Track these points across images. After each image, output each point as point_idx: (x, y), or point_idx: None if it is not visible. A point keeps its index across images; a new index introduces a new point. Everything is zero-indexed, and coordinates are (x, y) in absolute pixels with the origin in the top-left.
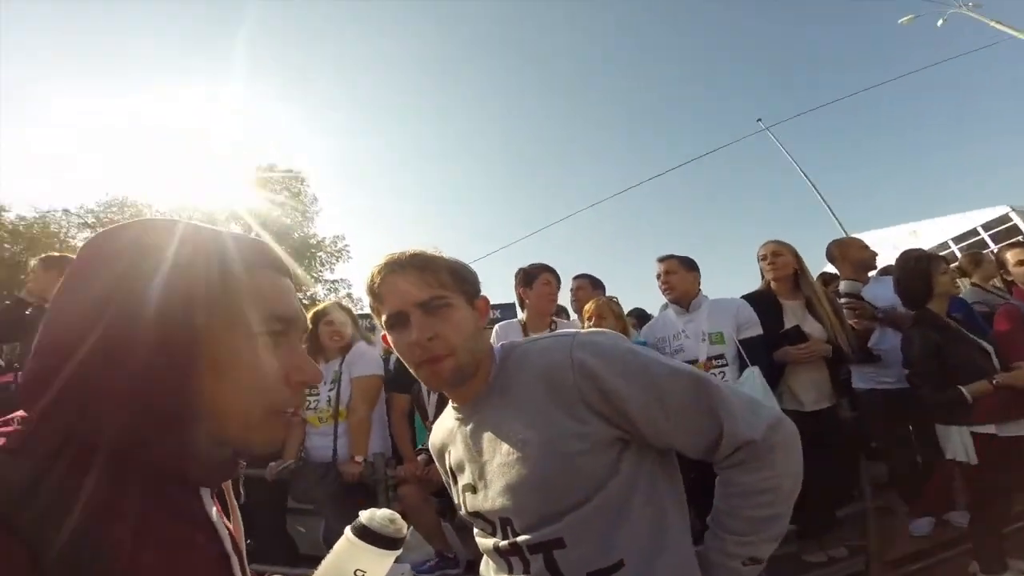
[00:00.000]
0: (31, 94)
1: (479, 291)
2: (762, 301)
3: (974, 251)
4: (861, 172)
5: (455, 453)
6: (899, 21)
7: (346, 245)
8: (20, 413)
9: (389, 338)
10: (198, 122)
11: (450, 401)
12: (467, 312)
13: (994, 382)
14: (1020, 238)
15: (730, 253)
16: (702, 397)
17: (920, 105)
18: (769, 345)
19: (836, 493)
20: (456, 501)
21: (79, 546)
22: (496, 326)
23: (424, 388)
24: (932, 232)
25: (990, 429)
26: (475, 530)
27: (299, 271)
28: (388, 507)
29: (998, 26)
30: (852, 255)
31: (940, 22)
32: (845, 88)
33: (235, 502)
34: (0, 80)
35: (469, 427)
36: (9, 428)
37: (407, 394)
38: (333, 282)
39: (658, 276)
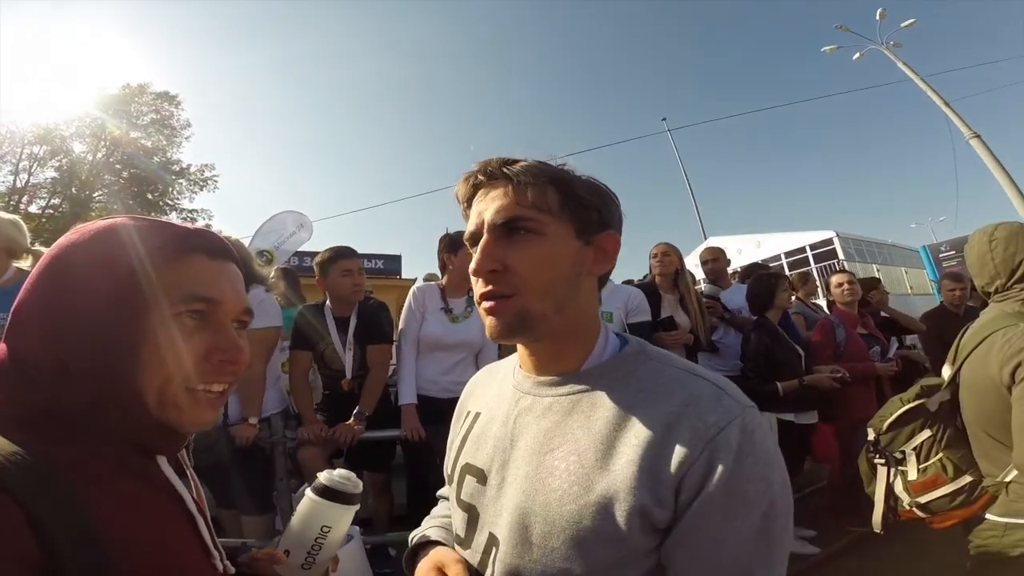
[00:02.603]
0: None
1: (607, 225)
2: (647, 291)
3: (804, 271)
4: (727, 181)
5: (484, 420)
6: (823, 49)
7: (214, 175)
8: None
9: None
10: (49, 34)
11: (518, 360)
12: (566, 248)
13: (804, 381)
14: (835, 262)
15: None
16: (761, 555)
17: (792, 131)
18: (654, 329)
19: None
20: (448, 471)
21: (64, 504)
22: (414, 287)
23: (339, 347)
24: (772, 244)
25: (790, 417)
26: (454, 524)
27: (149, 196)
28: (286, 470)
29: (904, 68)
30: (722, 264)
31: (856, 56)
32: (744, 104)
33: (191, 470)
34: None
35: (523, 404)
36: None
37: (309, 351)
38: (191, 211)
39: None
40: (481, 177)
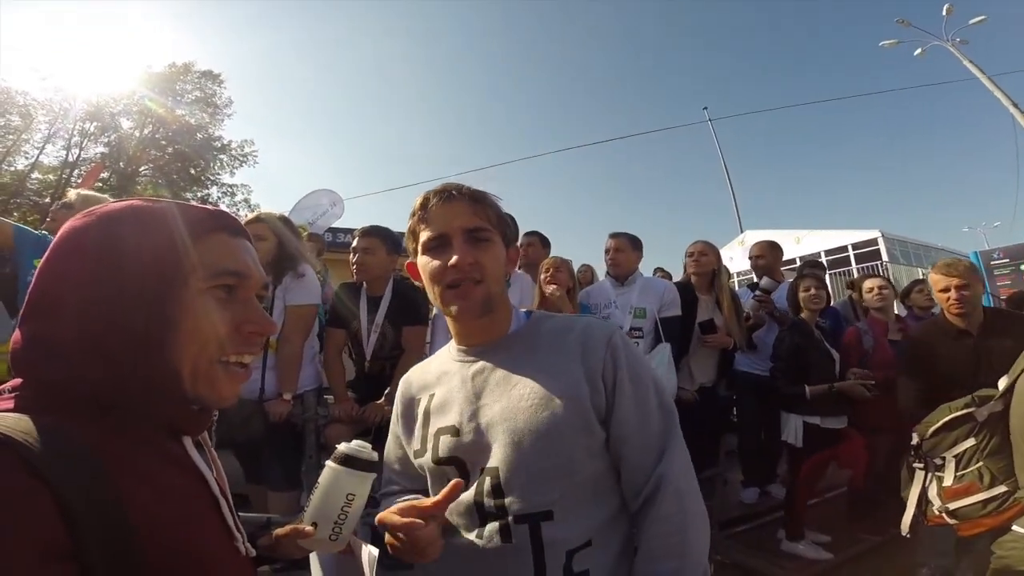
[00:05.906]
0: None
1: (514, 241)
2: (683, 291)
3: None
4: (768, 173)
5: (441, 394)
6: (881, 44)
7: (254, 151)
8: (16, 381)
9: (421, 260)
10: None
11: (453, 342)
12: (502, 252)
13: (834, 387)
14: (878, 262)
15: (638, 225)
16: (666, 419)
17: (840, 126)
18: (687, 328)
19: (701, 458)
20: (418, 447)
21: (94, 489)
22: None
23: (364, 326)
24: (812, 242)
25: (816, 420)
26: (441, 481)
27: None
28: (316, 447)
29: (970, 66)
30: (768, 260)
31: (918, 51)
32: (792, 95)
33: (213, 451)
34: None
35: (474, 367)
36: (12, 393)
37: (344, 329)
38: (231, 186)
39: (607, 251)
40: (455, 193)
